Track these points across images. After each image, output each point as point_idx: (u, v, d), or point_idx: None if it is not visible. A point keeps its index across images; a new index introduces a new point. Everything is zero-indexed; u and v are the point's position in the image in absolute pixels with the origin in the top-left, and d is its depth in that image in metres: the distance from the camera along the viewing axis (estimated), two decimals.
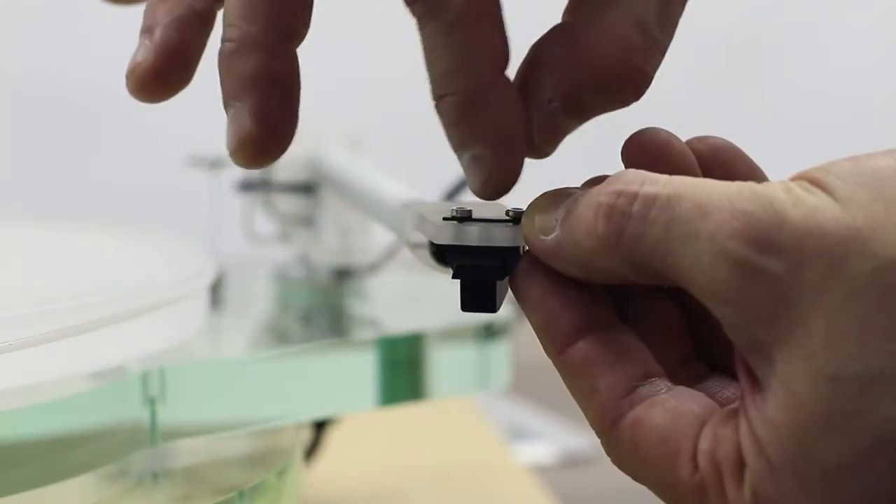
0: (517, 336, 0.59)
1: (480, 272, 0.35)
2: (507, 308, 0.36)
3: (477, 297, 0.35)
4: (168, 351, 0.50)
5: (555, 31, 0.36)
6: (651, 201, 0.32)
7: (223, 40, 0.35)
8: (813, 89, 1.52)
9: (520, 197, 0.36)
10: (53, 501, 0.45)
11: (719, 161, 0.36)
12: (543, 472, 0.73)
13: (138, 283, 0.50)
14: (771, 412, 0.31)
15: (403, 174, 0.54)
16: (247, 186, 0.65)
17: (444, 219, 0.36)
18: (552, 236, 0.34)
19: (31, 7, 1.37)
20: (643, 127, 0.36)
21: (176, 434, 0.49)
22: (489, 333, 0.58)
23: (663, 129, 0.36)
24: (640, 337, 0.35)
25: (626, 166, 0.35)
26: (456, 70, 0.34)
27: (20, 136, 1.40)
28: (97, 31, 1.23)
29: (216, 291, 0.60)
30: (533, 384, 0.72)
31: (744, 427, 0.32)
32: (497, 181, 0.35)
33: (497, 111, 0.35)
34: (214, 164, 0.68)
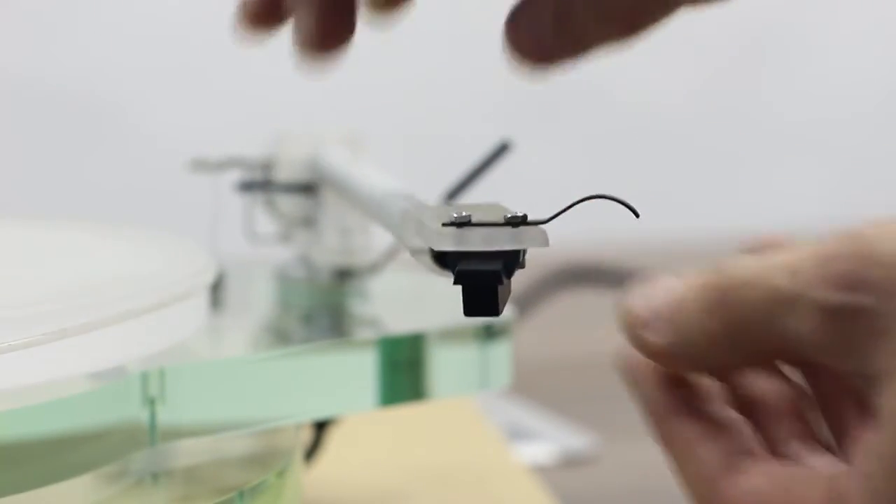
0: (517, 336, 0.59)
1: (482, 277, 0.35)
2: (508, 308, 0.36)
3: (480, 301, 0.35)
4: (168, 351, 0.50)
5: None
6: (744, 281, 0.32)
7: None
8: (813, 88, 1.52)
9: (516, 196, 0.36)
10: (53, 501, 0.45)
11: None
12: (543, 472, 0.73)
13: (138, 283, 0.50)
14: (877, 444, 0.30)
15: (403, 174, 0.54)
16: (247, 186, 0.65)
17: (444, 224, 0.36)
18: (662, 341, 0.34)
19: (31, 7, 1.37)
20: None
21: (176, 434, 0.49)
22: (489, 333, 0.58)
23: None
24: (746, 414, 0.35)
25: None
26: None
27: (19, 135, 1.40)
28: (97, 31, 1.23)
29: (216, 291, 0.60)
30: (533, 384, 0.71)
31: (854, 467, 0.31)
32: None
33: None
34: (216, 166, 0.67)
